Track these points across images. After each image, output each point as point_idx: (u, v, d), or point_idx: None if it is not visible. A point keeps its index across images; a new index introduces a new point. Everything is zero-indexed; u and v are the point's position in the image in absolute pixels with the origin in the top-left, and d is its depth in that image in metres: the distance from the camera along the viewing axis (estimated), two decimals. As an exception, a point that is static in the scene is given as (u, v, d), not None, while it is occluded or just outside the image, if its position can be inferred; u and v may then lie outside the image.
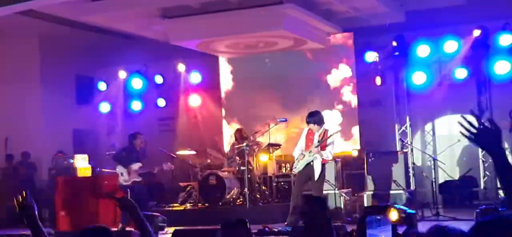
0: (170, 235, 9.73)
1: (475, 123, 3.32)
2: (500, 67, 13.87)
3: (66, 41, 16.42)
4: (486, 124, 3.34)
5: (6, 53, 15.94)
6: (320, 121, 11.13)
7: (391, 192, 12.81)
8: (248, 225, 4.99)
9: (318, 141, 10.96)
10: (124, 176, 12.06)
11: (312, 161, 10.99)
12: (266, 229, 10.42)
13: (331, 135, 11.02)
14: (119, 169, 12.13)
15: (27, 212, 4.54)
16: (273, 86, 15.94)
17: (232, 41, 14.68)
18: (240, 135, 13.91)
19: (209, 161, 14.32)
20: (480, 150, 14.22)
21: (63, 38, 16.22)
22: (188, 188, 14.10)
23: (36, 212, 4.54)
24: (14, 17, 12.72)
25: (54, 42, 16.34)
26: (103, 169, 13.78)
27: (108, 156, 14.72)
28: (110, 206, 11.96)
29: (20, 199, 4.57)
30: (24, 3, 11.05)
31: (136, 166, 12.11)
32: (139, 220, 4.59)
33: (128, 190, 11.75)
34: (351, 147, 14.97)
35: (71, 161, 13.78)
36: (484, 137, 3.33)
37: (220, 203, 13.08)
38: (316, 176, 10.99)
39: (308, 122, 11.16)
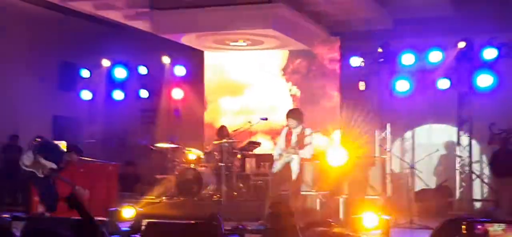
0: (144, 227, 9.68)
1: None
2: (483, 80, 13.98)
3: (52, 25, 16.32)
4: None
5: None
6: (299, 119, 11.09)
7: (367, 196, 12.84)
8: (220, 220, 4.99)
9: (296, 141, 10.94)
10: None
11: (290, 161, 10.98)
12: (241, 226, 10.40)
13: (307, 136, 10.99)
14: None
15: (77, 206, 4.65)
16: (256, 84, 15.96)
17: (218, 37, 14.65)
18: (222, 132, 13.89)
19: (187, 155, 14.26)
20: (457, 160, 14.36)
21: (49, 23, 16.12)
22: (165, 181, 14.05)
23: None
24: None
25: (40, 26, 16.23)
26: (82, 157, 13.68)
27: (90, 143, 14.70)
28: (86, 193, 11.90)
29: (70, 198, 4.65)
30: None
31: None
32: (87, 218, 4.57)
33: None
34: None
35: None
36: None
37: (196, 198, 13.05)
38: (294, 176, 10.98)
39: (287, 119, 11.14)
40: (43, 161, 11.14)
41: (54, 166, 11.26)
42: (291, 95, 15.85)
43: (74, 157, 11.50)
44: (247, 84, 16.20)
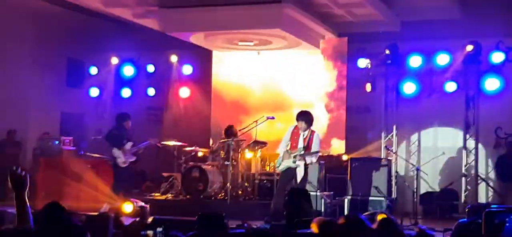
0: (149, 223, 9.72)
1: None
2: (490, 84, 14.02)
3: (61, 22, 16.40)
4: None
5: (0, 31, 15.86)
6: (309, 122, 11.10)
7: (372, 198, 12.86)
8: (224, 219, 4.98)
9: (303, 147, 10.93)
10: (121, 158, 12.50)
11: (296, 167, 11.00)
12: (245, 225, 10.44)
13: (315, 146, 10.95)
14: (115, 152, 12.53)
15: (19, 187, 4.43)
16: (263, 84, 16.00)
17: (227, 36, 14.69)
18: (229, 131, 13.93)
19: (193, 153, 14.31)
20: (463, 163, 14.36)
21: (58, 19, 16.19)
22: (171, 179, 14.11)
23: (26, 190, 4.44)
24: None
25: (49, 22, 16.31)
26: (87, 153, 13.79)
27: (96, 140, 14.75)
28: (91, 188, 11.99)
29: (15, 173, 4.44)
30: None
31: (128, 145, 12.62)
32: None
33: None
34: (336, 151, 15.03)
35: (56, 142, 13.78)
36: None
37: (202, 196, 13.10)
38: (299, 178, 11.01)
39: (297, 120, 11.14)
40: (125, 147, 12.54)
41: (130, 143, 12.80)
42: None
43: (129, 120, 12.88)
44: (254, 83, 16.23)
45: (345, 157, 14.78)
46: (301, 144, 10.95)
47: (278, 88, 15.92)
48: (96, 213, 10.56)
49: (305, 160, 10.93)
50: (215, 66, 16.56)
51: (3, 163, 14.95)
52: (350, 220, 4.68)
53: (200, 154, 14.54)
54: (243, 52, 16.01)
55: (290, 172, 11.08)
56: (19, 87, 16.03)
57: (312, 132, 11.10)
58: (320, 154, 11.16)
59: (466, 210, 8.60)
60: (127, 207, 10.55)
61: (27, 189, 4.43)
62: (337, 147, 15.18)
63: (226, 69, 16.47)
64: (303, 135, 11.04)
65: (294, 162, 10.93)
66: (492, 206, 7.53)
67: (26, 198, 4.40)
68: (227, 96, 16.34)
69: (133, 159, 12.65)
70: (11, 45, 16.01)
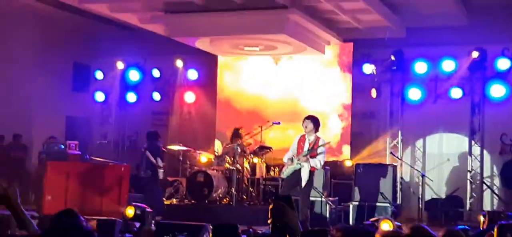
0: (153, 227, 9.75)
1: None
2: (495, 90, 14.05)
3: (67, 27, 16.46)
4: None
5: (6, 33, 15.93)
6: (315, 124, 11.10)
7: (377, 204, 12.85)
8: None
9: (308, 150, 10.94)
10: (162, 169, 13.26)
11: (300, 168, 10.99)
12: (251, 230, 10.44)
13: (320, 146, 11.00)
14: (160, 162, 13.22)
15: (6, 201, 4.47)
16: (269, 89, 16.02)
17: (232, 41, 14.71)
18: (235, 134, 13.94)
19: (198, 158, 14.33)
20: (468, 170, 14.34)
21: (64, 24, 16.25)
22: (175, 183, 14.13)
23: (18, 197, 4.46)
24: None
25: (55, 27, 16.37)
26: (92, 157, 13.83)
27: (102, 144, 14.81)
28: (97, 193, 12.00)
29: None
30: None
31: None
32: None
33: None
34: (342, 156, 15.04)
35: (62, 146, 13.81)
36: None
37: (207, 201, 13.12)
38: (303, 183, 10.96)
39: (303, 121, 11.13)
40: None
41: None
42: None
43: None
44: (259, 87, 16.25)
45: (348, 163, 14.79)
46: (306, 147, 10.96)
47: (293, 97, 15.81)
48: (103, 218, 10.61)
49: (309, 161, 10.90)
50: (221, 70, 16.58)
51: (10, 166, 15.04)
52: (416, 230, 4.53)
53: (205, 158, 14.57)
54: (259, 61, 16.03)
55: (295, 177, 11.04)
56: (25, 91, 16.10)
57: (318, 137, 11.11)
58: (324, 155, 11.08)
59: (482, 216, 8.60)
60: (129, 211, 10.55)
61: (18, 197, 4.46)
62: (347, 153, 15.22)
63: (232, 74, 16.50)
64: (309, 140, 11.03)
65: (298, 163, 10.92)
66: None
67: (18, 205, 4.42)
68: (240, 104, 16.32)
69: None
70: (17, 49, 16.08)
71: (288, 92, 15.94)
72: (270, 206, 6.12)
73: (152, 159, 13.14)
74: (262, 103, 16.08)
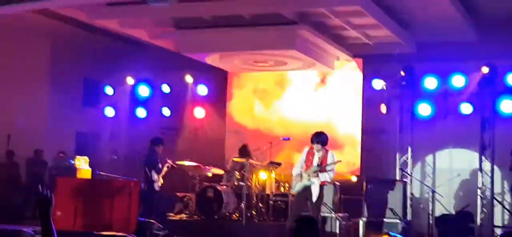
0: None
1: None
2: (506, 106, 13.98)
3: (78, 43, 16.54)
4: None
5: (17, 50, 16.01)
6: (324, 143, 11.09)
7: (387, 220, 12.80)
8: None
9: (318, 165, 10.92)
10: (157, 182, 12.82)
11: (310, 184, 10.97)
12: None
13: (330, 164, 10.96)
14: (154, 176, 12.82)
15: (44, 206, 4.48)
16: (278, 103, 16.04)
17: (242, 57, 14.75)
18: (244, 151, 13.95)
19: (208, 174, 14.31)
20: (478, 185, 14.26)
21: (75, 40, 16.33)
22: (185, 199, 14.12)
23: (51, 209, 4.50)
24: (28, 15, 12.84)
25: (66, 43, 16.46)
26: (102, 173, 13.82)
27: (112, 160, 14.83)
28: (107, 208, 12.00)
29: (41, 193, 4.50)
30: (40, 2, 11.09)
31: (164, 171, 13.01)
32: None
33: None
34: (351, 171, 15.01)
35: (72, 161, 13.85)
36: None
37: (216, 217, 13.10)
38: (314, 198, 10.95)
39: (312, 142, 11.14)
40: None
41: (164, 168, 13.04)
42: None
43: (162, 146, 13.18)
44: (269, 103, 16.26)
45: (355, 179, 14.73)
46: (315, 163, 10.95)
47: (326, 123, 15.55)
48: (113, 234, 10.62)
49: (319, 177, 10.89)
50: (230, 86, 16.61)
51: (30, 182, 15.08)
52: None
53: (214, 174, 14.54)
54: (258, 73, 16.07)
55: (305, 192, 11.04)
56: (35, 106, 16.16)
57: (327, 150, 11.10)
58: (334, 169, 11.06)
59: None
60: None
61: (52, 208, 4.50)
62: (352, 167, 15.20)
63: (242, 89, 16.52)
64: (318, 155, 11.03)
65: (309, 179, 10.91)
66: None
67: (51, 217, 4.45)
68: (243, 115, 16.35)
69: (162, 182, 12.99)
70: (28, 64, 16.18)
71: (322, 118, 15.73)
72: (292, 226, 6.07)
73: (148, 172, 12.94)
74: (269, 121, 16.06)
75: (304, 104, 15.91)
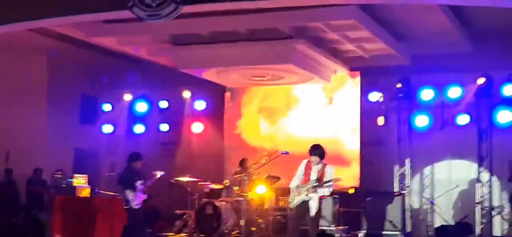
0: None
1: None
2: (502, 116, 14.04)
3: (75, 60, 16.58)
4: None
5: (15, 68, 16.04)
6: (321, 156, 11.09)
7: (386, 232, 12.81)
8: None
9: (316, 179, 10.92)
10: (135, 200, 12.04)
11: (309, 200, 10.97)
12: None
13: (329, 180, 10.96)
14: (129, 194, 12.02)
15: (41, 231, 4.52)
16: (277, 119, 16.06)
17: (239, 72, 14.79)
18: (243, 165, 13.96)
19: (207, 189, 14.30)
20: (477, 196, 14.28)
21: (72, 57, 16.37)
22: (185, 216, 14.06)
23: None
24: (25, 33, 12.86)
25: (63, 61, 16.49)
26: (101, 191, 13.82)
27: (109, 178, 14.76)
28: (106, 227, 12.01)
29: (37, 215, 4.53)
30: (37, 21, 11.11)
31: (138, 184, 12.10)
32: None
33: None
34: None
35: (70, 180, 13.83)
36: None
37: (216, 234, 13.07)
38: (313, 212, 10.93)
39: (310, 154, 11.14)
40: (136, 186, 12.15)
41: (140, 180, 12.31)
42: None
43: (141, 161, 12.52)
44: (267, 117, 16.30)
45: (351, 191, 14.73)
46: (313, 177, 10.94)
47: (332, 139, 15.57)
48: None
49: (317, 192, 10.89)
50: (228, 101, 16.63)
51: (29, 201, 15.04)
52: None
53: (213, 189, 14.51)
54: (256, 87, 16.10)
55: (304, 207, 11.03)
56: (33, 123, 16.17)
57: (325, 164, 11.09)
58: (332, 183, 11.06)
59: None
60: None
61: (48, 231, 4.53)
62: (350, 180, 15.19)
63: (239, 104, 16.55)
64: (317, 168, 11.02)
65: (307, 194, 10.91)
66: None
67: None
68: (241, 130, 16.38)
69: (144, 197, 12.24)
70: (26, 81, 16.20)
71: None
72: None
73: (124, 193, 12.19)
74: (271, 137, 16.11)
75: (310, 120, 15.92)
